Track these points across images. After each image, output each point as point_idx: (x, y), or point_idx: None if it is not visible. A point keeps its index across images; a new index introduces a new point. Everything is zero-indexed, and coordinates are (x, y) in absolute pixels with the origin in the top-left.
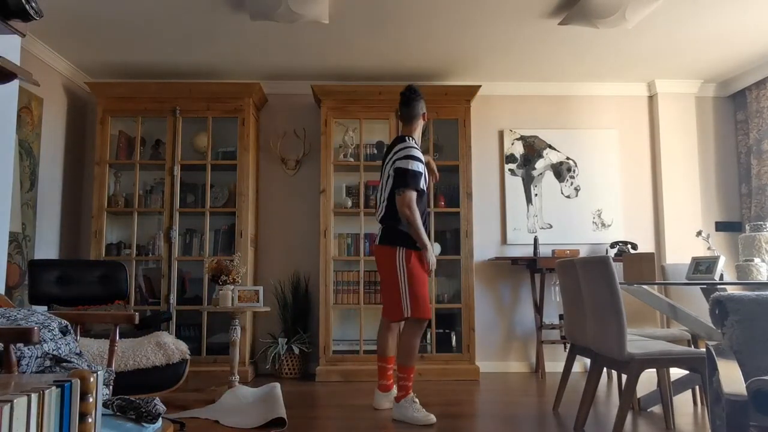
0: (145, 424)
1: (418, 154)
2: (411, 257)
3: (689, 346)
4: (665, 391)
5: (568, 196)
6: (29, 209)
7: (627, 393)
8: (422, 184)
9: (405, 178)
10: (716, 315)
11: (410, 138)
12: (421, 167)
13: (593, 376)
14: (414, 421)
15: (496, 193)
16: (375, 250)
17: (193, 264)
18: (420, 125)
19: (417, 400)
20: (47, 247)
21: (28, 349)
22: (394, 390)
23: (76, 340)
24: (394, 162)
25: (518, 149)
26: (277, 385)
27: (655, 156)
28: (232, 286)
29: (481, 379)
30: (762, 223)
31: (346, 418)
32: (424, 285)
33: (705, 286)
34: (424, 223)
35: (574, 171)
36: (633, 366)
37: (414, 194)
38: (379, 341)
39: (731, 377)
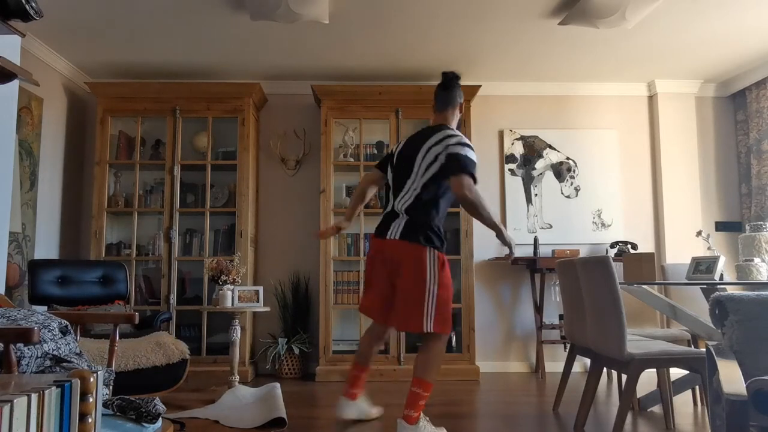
0: (145, 424)
1: (471, 144)
2: (444, 263)
3: (689, 346)
4: (665, 391)
5: (568, 196)
6: (29, 209)
7: (627, 393)
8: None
9: (464, 163)
10: (716, 315)
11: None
12: (476, 158)
13: (593, 376)
14: None
15: (496, 193)
16: (392, 246)
17: (193, 264)
18: (456, 117)
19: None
20: (47, 247)
21: (28, 349)
22: (361, 400)
23: (76, 340)
24: (447, 147)
25: (518, 149)
26: (277, 385)
27: (655, 156)
28: (232, 286)
29: (481, 379)
30: (762, 223)
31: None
32: (451, 296)
33: (705, 286)
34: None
35: (574, 171)
36: (633, 366)
37: (472, 180)
38: (364, 347)
39: (731, 377)
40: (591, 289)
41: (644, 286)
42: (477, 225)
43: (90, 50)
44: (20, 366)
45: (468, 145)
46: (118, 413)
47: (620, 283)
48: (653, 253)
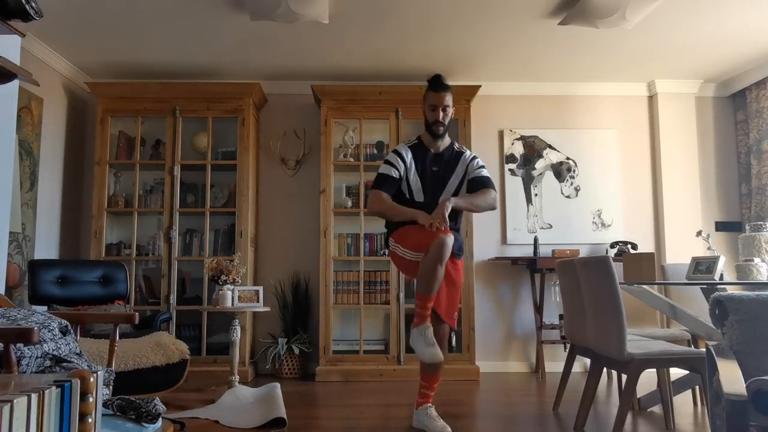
0: (145, 424)
1: (389, 157)
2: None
3: (689, 346)
4: (665, 391)
5: (568, 196)
6: (29, 209)
7: (627, 393)
8: None
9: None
10: (716, 315)
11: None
12: (384, 170)
13: (593, 376)
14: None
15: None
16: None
17: (193, 264)
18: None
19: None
20: (47, 247)
21: (28, 349)
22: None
23: (76, 340)
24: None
25: (518, 149)
26: (277, 385)
27: (655, 156)
28: (232, 286)
29: (481, 379)
30: (762, 223)
31: (346, 418)
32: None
33: (705, 286)
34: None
35: (574, 171)
36: (633, 366)
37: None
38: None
39: (731, 377)
40: (591, 289)
41: (644, 286)
42: (477, 225)
43: (90, 50)
44: (20, 366)
45: (384, 160)
46: (118, 413)
47: (620, 283)
48: (653, 253)
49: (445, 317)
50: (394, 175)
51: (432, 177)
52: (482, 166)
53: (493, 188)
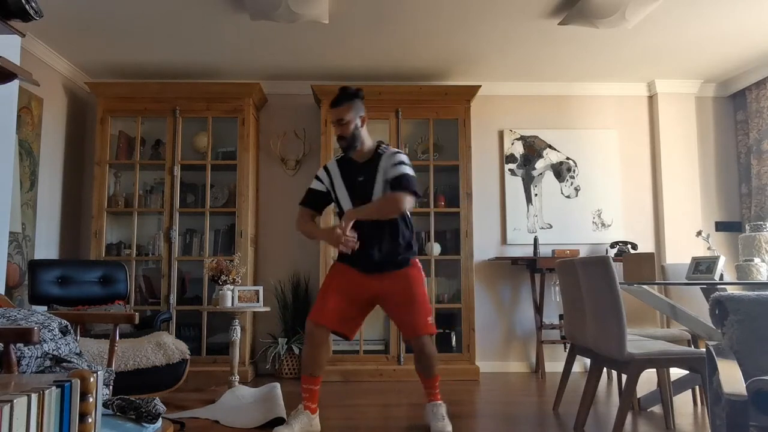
0: (145, 424)
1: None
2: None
3: (689, 346)
4: (665, 391)
5: (568, 196)
6: (29, 209)
7: (627, 393)
8: None
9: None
10: (716, 315)
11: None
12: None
13: (593, 376)
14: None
15: (496, 193)
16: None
17: (193, 264)
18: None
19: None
20: (47, 247)
21: (28, 349)
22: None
23: (76, 340)
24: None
25: (518, 149)
26: (277, 385)
27: (655, 156)
28: (232, 286)
29: (481, 379)
30: (762, 223)
31: (346, 418)
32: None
33: (705, 286)
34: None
35: (574, 171)
36: (633, 366)
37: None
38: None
39: (731, 377)
40: (591, 289)
41: (644, 286)
42: (477, 225)
43: (90, 50)
44: (20, 366)
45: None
46: (118, 413)
47: (620, 283)
48: (653, 253)
49: (412, 335)
50: (318, 189)
51: (360, 186)
52: (400, 162)
53: (407, 188)
